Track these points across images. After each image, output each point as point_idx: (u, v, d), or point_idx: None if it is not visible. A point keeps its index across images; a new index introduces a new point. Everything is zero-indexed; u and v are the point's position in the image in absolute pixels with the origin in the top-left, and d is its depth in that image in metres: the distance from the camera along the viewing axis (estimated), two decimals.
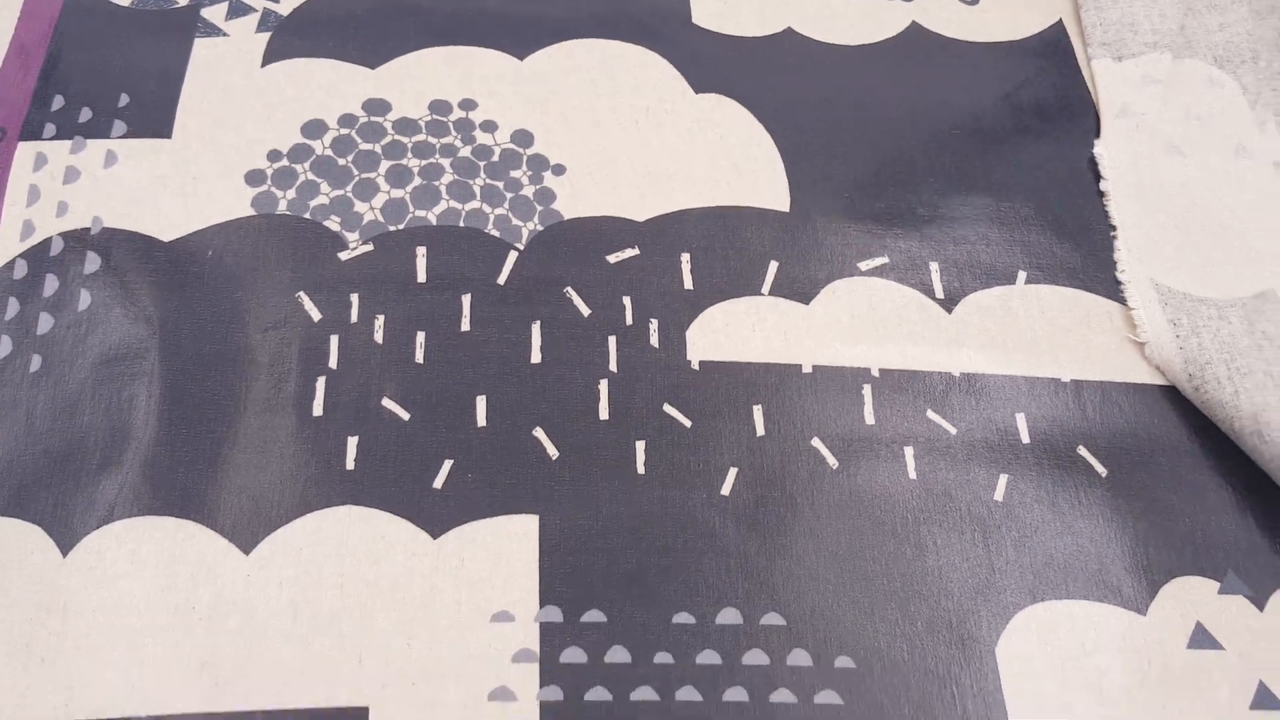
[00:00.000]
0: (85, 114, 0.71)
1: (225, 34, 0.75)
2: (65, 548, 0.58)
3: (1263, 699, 0.58)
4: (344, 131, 0.71)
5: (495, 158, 0.71)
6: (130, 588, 0.57)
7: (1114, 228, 0.72)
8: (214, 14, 0.76)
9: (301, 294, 0.65)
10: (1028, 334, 0.68)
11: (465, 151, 0.71)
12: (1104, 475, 0.64)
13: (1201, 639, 0.59)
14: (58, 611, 0.56)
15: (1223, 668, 0.59)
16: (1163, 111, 0.77)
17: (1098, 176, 0.75)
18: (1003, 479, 0.63)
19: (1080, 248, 0.71)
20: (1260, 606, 0.61)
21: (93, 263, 0.65)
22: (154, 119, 0.71)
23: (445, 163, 0.71)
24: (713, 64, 0.76)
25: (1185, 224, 0.73)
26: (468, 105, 0.73)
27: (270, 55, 0.74)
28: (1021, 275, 0.70)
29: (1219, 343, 0.67)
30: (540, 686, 0.56)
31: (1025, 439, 0.65)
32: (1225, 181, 0.75)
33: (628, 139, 0.73)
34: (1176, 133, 0.76)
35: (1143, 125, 0.76)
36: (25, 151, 0.69)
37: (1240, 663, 0.59)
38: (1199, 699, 0.58)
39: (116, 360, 0.62)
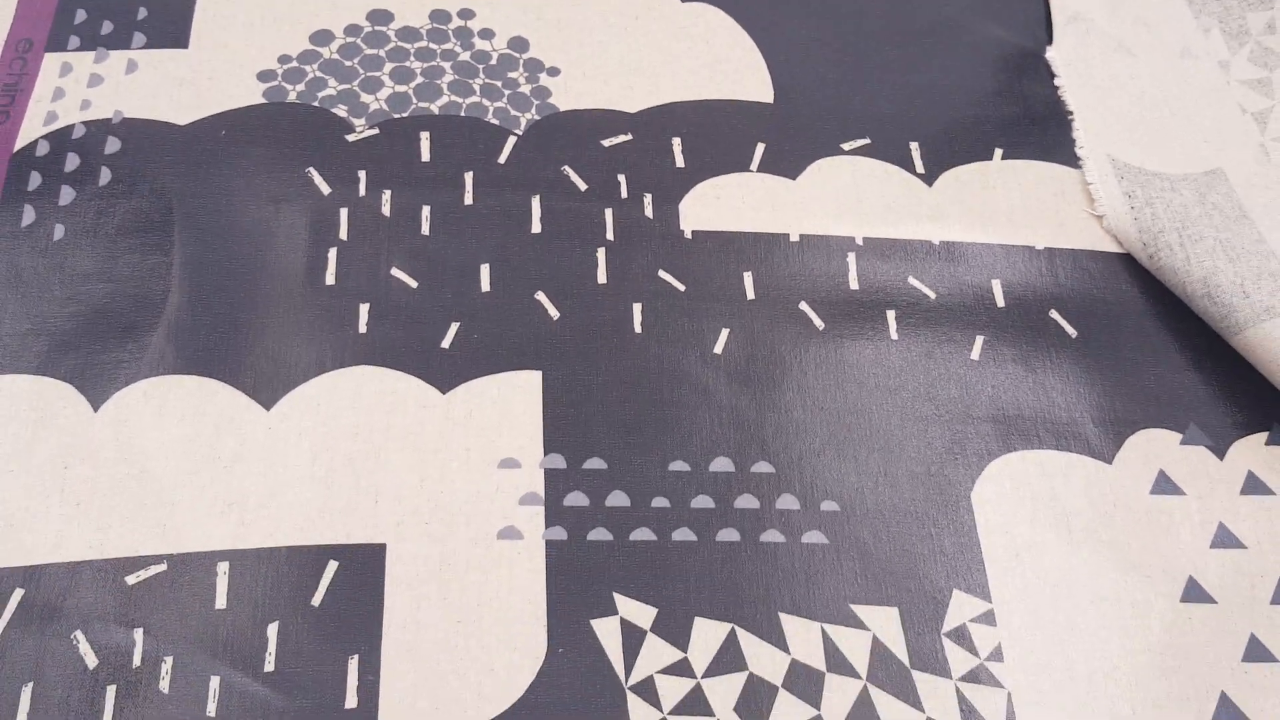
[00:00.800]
0: (107, 26, 0.71)
1: None
2: (95, 404, 0.58)
3: (1222, 538, 0.60)
4: (350, 40, 0.72)
5: (493, 61, 0.72)
6: (158, 439, 0.58)
7: (1071, 112, 0.74)
8: None
9: (311, 169, 0.66)
10: (1004, 205, 0.69)
11: (465, 56, 0.72)
12: (1074, 336, 0.65)
13: (1164, 485, 0.61)
14: (89, 460, 0.57)
15: (1184, 510, 0.60)
16: (1111, 17, 0.79)
17: (1053, 76, 0.76)
18: (979, 339, 0.65)
19: (1050, 130, 0.73)
20: (1220, 456, 0.62)
21: (113, 145, 0.66)
22: (171, 31, 0.71)
23: (446, 65, 0.71)
24: None
25: (1137, 110, 0.74)
26: (466, 15, 0.74)
27: None
28: (998, 152, 0.71)
29: (1171, 212, 0.68)
30: (546, 527, 0.57)
31: (1000, 303, 0.66)
32: (1172, 76, 0.76)
33: (618, 43, 0.74)
34: (1125, 35, 0.78)
35: (1092, 29, 0.78)
36: (51, 61, 0.70)
37: (1200, 506, 0.61)
38: (1161, 538, 0.60)
39: (137, 231, 0.63)
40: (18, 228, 0.63)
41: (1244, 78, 0.76)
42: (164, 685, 0.52)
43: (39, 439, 0.57)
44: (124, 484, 0.57)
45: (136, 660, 0.53)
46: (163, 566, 0.55)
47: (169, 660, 0.53)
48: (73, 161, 0.65)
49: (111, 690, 0.52)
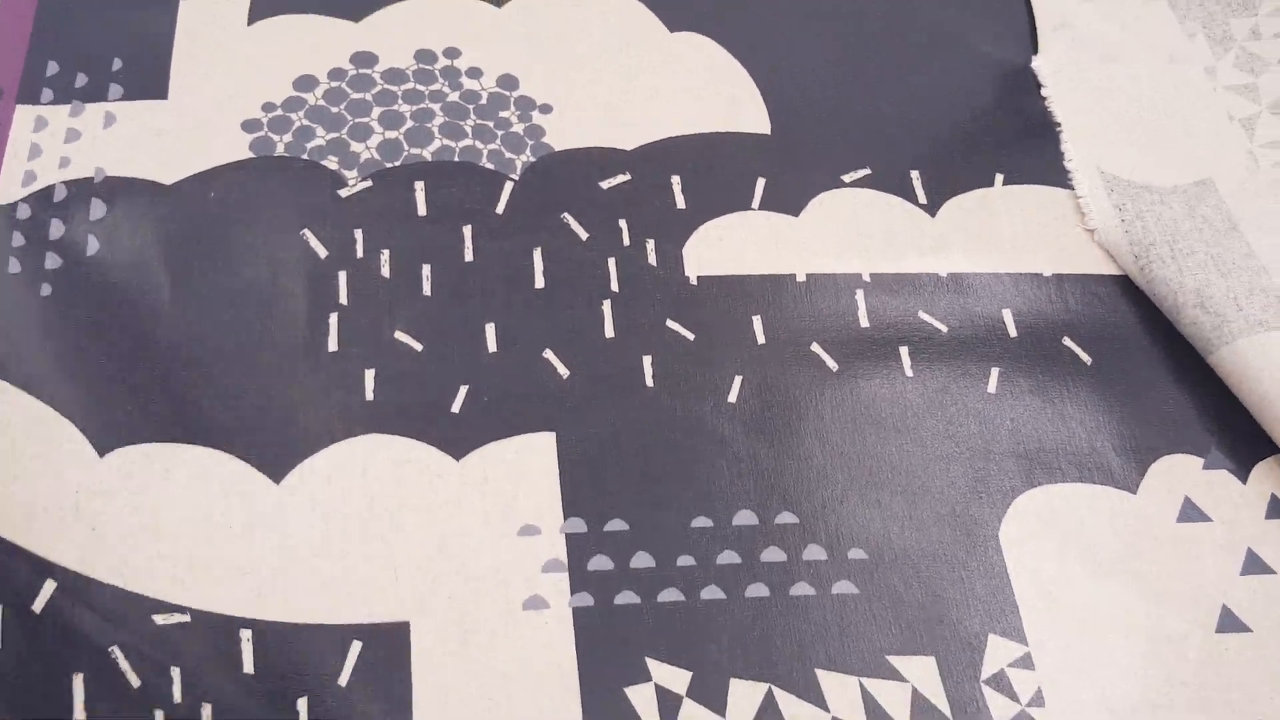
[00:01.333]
0: (81, 79, 0.68)
1: None
2: (100, 451, 0.56)
3: (1252, 565, 0.58)
4: (334, 84, 0.69)
5: (483, 101, 0.69)
6: (167, 497, 0.55)
7: (1059, 124, 0.72)
8: None
9: (306, 231, 0.63)
10: (1008, 232, 0.67)
11: (454, 97, 0.69)
12: (1089, 363, 0.63)
13: (1190, 513, 0.59)
14: (100, 496, 0.54)
15: (1212, 538, 0.59)
16: (1098, 25, 0.77)
17: (1039, 86, 0.74)
18: (994, 372, 0.63)
19: (1049, 151, 0.71)
20: (1243, 479, 0.60)
21: (98, 209, 0.63)
22: (149, 82, 0.68)
23: (435, 107, 0.68)
24: (683, 2, 0.75)
25: (1125, 119, 0.73)
26: (452, 54, 0.71)
27: (255, 13, 0.72)
28: (999, 177, 0.69)
29: (1162, 225, 0.67)
30: (571, 594, 0.54)
31: (1013, 333, 0.64)
32: (1160, 84, 0.74)
33: (609, 77, 0.71)
34: (1112, 42, 0.76)
35: (1079, 37, 0.76)
36: (24, 114, 0.66)
37: (1228, 532, 0.59)
38: (1191, 568, 0.58)
39: (128, 303, 0.60)
40: (4, 273, 0.60)
41: (1230, 83, 0.74)
42: None
43: (51, 460, 0.55)
44: (137, 530, 0.54)
45: (177, 696, 0.50)
46: (186, 618, 0.52)
47: (208, 708, 0.50)
48: (57, 229, 0.62)
49: (160, 714, 0.50)
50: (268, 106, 0.68)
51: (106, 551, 0.53)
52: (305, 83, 0.69)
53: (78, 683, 0.50)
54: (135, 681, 0.50)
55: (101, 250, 0.61)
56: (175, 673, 0.51)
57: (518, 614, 0.54)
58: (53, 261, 0.61)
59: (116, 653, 0.51)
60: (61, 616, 0.51)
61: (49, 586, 0.52)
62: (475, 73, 0.70)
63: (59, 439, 0.56)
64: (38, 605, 0.51)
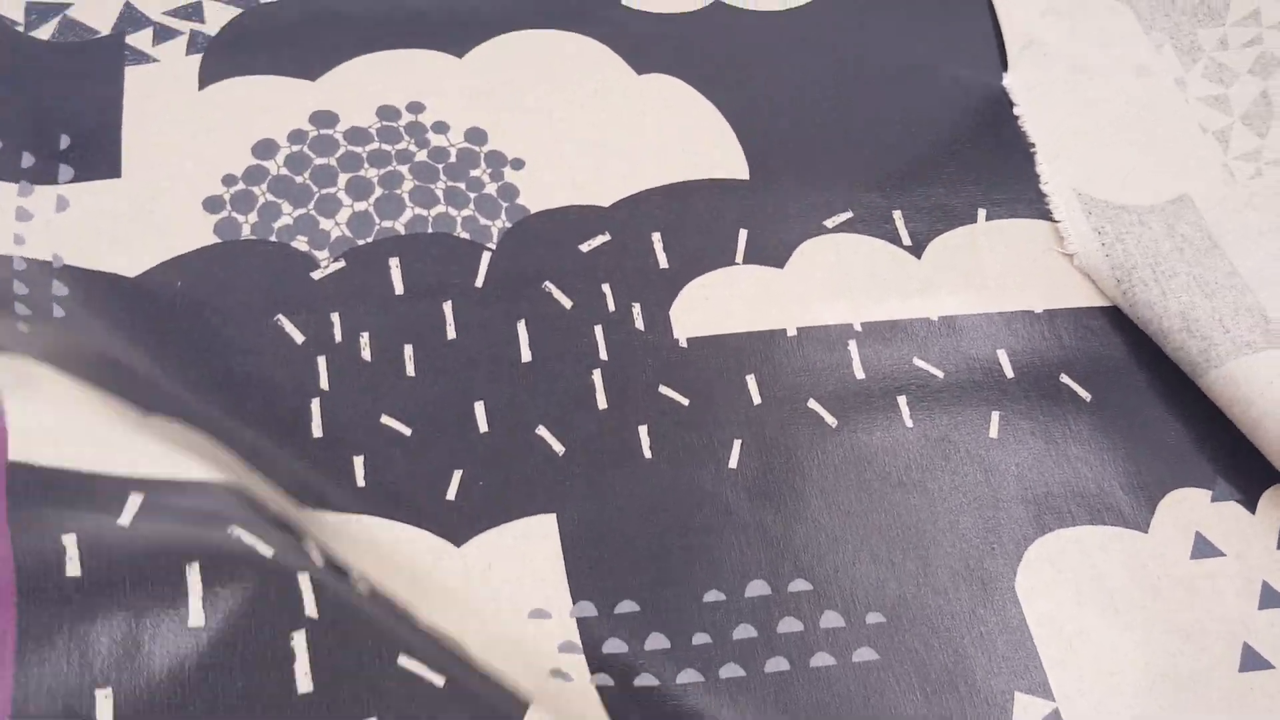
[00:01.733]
0: (27, 159, 0.63)
1: (155, 60, 0.69)
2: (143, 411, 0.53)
3: (1269, 598, 0.57)
4: (296, 148, 0.66)
5: (453, 159, 0.66)
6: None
7: (1033, 144, 0.70)
8: (140, 40, 0.70)
9: (280, 317, 0.60)
10: (995, 270, 0.66)
11: (421, 155, 0.66)
12: (1088, 400, 0.62)
13: (1203, 549, 0.58)
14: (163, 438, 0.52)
15: (1227, 574, 0.57)
16: (1066, 39, 0.76)
17: (1012, 105, 0.72)
18: (995, 416, 0.61)
19: (1029, 181, 0.69)
20: (1252, 509, 0.59)
21: (60, 289, 0.59)
22: (100, 160, 0.64)
23: (404, 169, 0.66)
24: (650, 44, 0.72)
25: (1098, 135, 0.71)
26: (415, 108, 0.68)
27: (206, 77, 0.68)
28: (982, 213, 0.67)
29: (1142, 247, 0.65)
30: (591, 674, 0.52)
31: (1009, 374, 0.62)
32: (1131, 98, 0.73)
33: (580, 126, 0.69)
34: (1081, 55, 0.75)
35: (1049, 53, 0.74)
36: None
37: (1242, 566, 0.58)
38: (1209, 606, 0.57)
39: (101, 380, 0.56)
40: None
41: (1201, 95, 0.73)
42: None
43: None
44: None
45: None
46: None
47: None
48: (21, 288, 0.57)
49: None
50: (228, 179, 0.64)
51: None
52: (265, 148, 0.66)
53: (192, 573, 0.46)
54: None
55: (68, 318, 0.57)
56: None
57: (547, 680, 0.51)
58: (23, 310, 0.56)
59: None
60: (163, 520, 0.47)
61: (135, 500, 0.47)
62: (441, 127, 0.67)
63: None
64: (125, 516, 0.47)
